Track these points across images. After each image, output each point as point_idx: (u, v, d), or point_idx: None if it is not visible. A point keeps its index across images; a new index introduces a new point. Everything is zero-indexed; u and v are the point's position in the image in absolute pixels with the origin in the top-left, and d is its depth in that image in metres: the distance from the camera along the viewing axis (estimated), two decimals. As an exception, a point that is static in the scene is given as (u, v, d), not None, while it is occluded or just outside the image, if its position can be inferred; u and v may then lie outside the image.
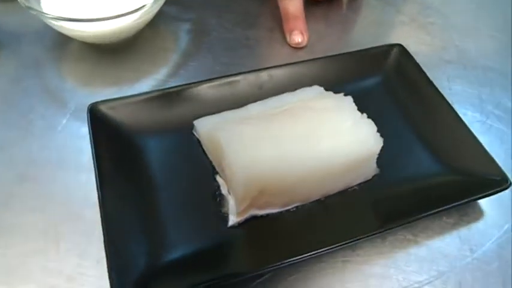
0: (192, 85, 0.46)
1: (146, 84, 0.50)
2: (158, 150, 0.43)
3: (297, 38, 0.54)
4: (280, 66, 0.48)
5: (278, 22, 0.56)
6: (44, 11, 0.50)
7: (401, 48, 0.50)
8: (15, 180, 0.43)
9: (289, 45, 0.55)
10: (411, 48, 0.50)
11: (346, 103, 0.41)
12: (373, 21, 0.59)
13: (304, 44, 0.54)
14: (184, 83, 0.47)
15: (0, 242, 0.39)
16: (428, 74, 0.48)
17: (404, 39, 0.53)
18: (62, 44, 0.54)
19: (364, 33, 0.57)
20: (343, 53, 0.49)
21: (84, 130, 0.44)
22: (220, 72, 0.49)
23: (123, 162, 0.42)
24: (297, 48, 0.55)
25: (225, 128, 0.39)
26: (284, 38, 0.55)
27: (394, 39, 0.53)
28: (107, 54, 0.53)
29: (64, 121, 0.47)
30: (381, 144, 0.39)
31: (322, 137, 0.39)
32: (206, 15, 0.57)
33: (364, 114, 0.41)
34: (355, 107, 0.41)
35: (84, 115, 0.44)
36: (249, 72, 0.47)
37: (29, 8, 0.48)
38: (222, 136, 0.38)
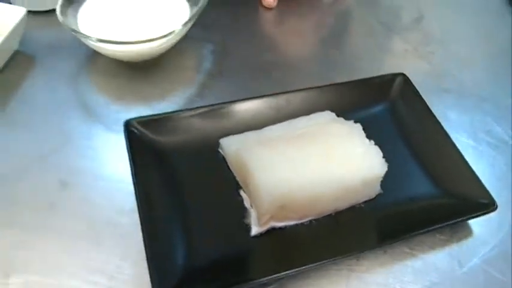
0: (217, 106, 0.51)
1: (172, 101, 0.55)
2: (187, 164, 0.48)
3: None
4: (296, 91, 0.53)
5: (295, 48, 0.61)
6: (80, 27, 0.55)
7: (404, 77, 0.55)
8: (57, 187, 0.48)
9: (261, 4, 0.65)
10: (413, 76, 0.56)
11: (356, 130, 0.47)
12: (378, 48, 0.64)
13: (274, 5, 0.65)
14: (208, 103, 0.52)
15: (46, 243, 0.44)
16: (427, 101, 0.54)
17: (406, 67, 0.59)
18: (94, 58, 0.58)
19: (371, 59, 0.62)
20: (352, 81, 0.55)
21: (119, 142, 0.49)
22: (241, 94, 0.54)
23: (157, 173, 0.47)
24: (268, 8, 0.65)
25: (250, 150, 0.44)
26: (299, 64, 0.60)
27: (397, 67, 0.59)
28: (136, 71, 0.58)
29: (100, 133, 0.52)
30: (385, 169, 0.45)
31: (334, 161, 0.44)
32: (229, 37, 0.63)
33: (372, 141, 0.46)
34: (364, 134, 0.47)
35: (118, 128, 0.49)
36: (268, 96, 0.52)
37: (66, 25, 0.52)
38: (247, 158, 0.44)
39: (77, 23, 0.56)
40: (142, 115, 0.49)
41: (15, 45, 0.58)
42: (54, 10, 0.54)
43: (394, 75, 0.55)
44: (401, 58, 0.63)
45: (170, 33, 0.52)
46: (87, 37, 0.52)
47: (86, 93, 0.56)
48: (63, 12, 0.54)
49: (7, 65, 0.57)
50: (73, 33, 0.52)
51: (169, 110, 0.53)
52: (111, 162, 0.50)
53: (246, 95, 0.53)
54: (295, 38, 0.61)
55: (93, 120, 0.53)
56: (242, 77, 0.58)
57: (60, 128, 0.52)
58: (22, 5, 0.61)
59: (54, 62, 0.58)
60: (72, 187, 0.48)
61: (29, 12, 0.58)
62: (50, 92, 0.55)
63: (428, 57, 0.63)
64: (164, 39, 0.52)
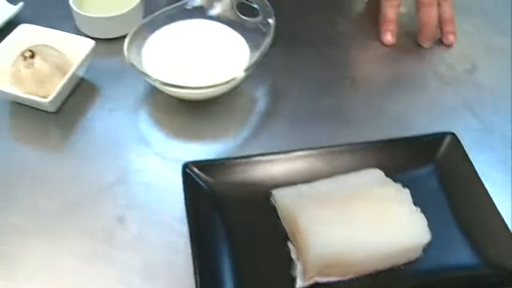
0: (270, 156, 0.53)
1: (227, 142, 0.58)
2: (240, 209, 0.51)
3: (389, 37, 0.68)
4: (347, 145, 0.55)
5: (349, 96, 0.63)
6: (144, 63, 0.58)
7: (453, 137, 0.56)
8: (114, 220, 0.51)
9: (381, 42, 0.68)
10: (460, 131, 0.57)
11: (404, 196, 0.49)
12: (430, 100, 0.65)
13: (393, 43, 0.69)
14: (261, 146, 0.56)
15: (101, 273, 0.47)
16: (472, 159, 0.55)
17: (455, 121, 0.61)
18: (155, 92, 0.61)
19: (421, 112, 0.63)
20: (402, 139, 0.57)
21: (175, 181, 0.51)
22: (293, 138, 0.57)
23: (211, 217, 0.50)
24: (388, 46, 0.68)
25: (302, 207, 0.47)
26: (352, 113, 0.62)
27: (446, 122, 0.61)
28: (194, 108, 0.60)
29: (157, 169, 0.55)
30: (429, 238, 0.47)
31: (381, 225, 0.47)
32: (284, 79, 0.64)
33: (418, 208, 0.48)
34: (411, 200, 0.49)
35: (175, 166, 0.52)
36: (320, 148, 0.54)
37: (132, 64, 0.55)
38: (299, 216, 0.46)
39: (141, 59, 0.58)
40: (199, 159, 0.52)
41: (81, 73, 0.61)
42: (119, 38, 0.57)
43: (444, 135, 0.56)
44: (452, 112, 0.63)
45: (231, 80, 0.55)
46: (150, 77, 0.54)
47: (146, 127, 0.59)
48: (129, 50, 0.57)
49: (71, 93, 0.61)
50: (138, 72, 0.55)
51: (224, 150, 0.57)
52: (167, 201, 0.52)
53: (298, 140, 0.56)
54: (349, 86, 0.63)
55: (151, 155, 0.56)
56: (296, 121, 0.60)
57: (119, 160, 0.55)
58: (91, 33, 0.64)
59: (117, 92, 0.61)
60: (128, 222, 0.51)
61: (95, 38, 0.62)
62: (111, 123, 0.59)
63: (477, 112, 0.64)
64: (225, 86, 0.55)
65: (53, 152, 0.56)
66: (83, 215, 0.51)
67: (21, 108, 0.58)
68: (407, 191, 0.49)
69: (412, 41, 0.71)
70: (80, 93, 0.61)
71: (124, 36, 0.58)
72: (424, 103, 0.64)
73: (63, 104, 0.59)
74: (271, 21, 0.60)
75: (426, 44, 0.69)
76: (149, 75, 0.55)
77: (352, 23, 0.73)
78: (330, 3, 0.75)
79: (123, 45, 0.57)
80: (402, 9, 0.70)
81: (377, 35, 0.71)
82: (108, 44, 0.66)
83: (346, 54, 0.69)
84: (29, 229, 0.50)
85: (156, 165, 0.55)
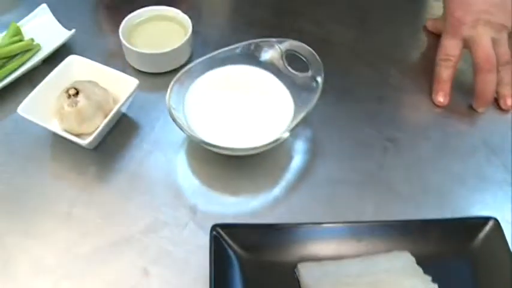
0: (299, 226, 0.53)
1: (258, 200, 0.57)
2: (264, 278, 0.50)
3: (441, 98, 0.66)
4: (380, 222, 0.53)
5: (384, 163, 0.61)
6: (186, 111, 0.58)
7: (495, 223, 0.53)
8: (140, 273, 0.51)
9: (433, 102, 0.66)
10: (505, 216, 0.54)
11: (433, 293, 0.47)
12: (475, 175, 0.61)
13: (445, 104, 0.65)
14: (290, 209, 0.55)
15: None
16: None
17: (501, 203, 0.58)
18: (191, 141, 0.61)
19: (464, 188, 0.59)
20: (436, 221, 0.54)
21: (202, 237, 0.52)
22: (322, 207, 0.56)
23: (234, 281, 0.49)
24: (439, 106, 0.65)
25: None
26: (389, 182, 0.59)
27: (490, 202, 0.58)
28: (229, 161, 0.59)
29: (186, 223, 0.55)
30: None
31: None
32: (325, 135, 0.63)
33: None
34: (440, 299, 0.47)
35: (203, 221, 0.53)
36: (349, 222, 0.53)
37: (174, 119, 0.55)
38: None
39: (183, 106, 0.58)
40: (227, 222, 0.52)
41: (124, 109, 0.62)
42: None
43: (484, 220, 0.54)
44: (499, 190, 0.60)
45: (274, 142, 0.54)
46: (191, 136, 0.54)
47: (180, 175, 0.59)
48: (172, 96, 0.56)
49: (112, 129, 0.61)
50: (181, 129, 0.55)
51: (254, 209, 0.56)
52: (192, 259, 0.52)
53: (329, 207, 0.56)
54: (392, 149, 0.61)
55: (182, 208, 0.56)
56: (330, 185, 0.58)
57: (150, 208, 0.56)
58: (138, 66, 0.65)
59: (156, 132, 0.62)
60: (153, 276, 0.51)
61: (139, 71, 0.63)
62: (147, 167, 0.59)
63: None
64: (266, 147, 0.54)
65: (88, 191, 0.57)
66: (110, 262, 0.52)
67: (62, 140, 0.59)
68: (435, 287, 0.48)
69: (465, 102, 0.67)
70: (121, 129, 0.62)
71: (171, 71, 0.58)
72: (469, 177, 0.60)
73: (103, 139, 0.60)
74: (319, 79, 0.58)
75: (481, 109, 0.66)
76: (189, 133, 0.55)
77: (406, 77, 0.70)
78: (384, 55, 0.72)
79: (168, 80, 0.57)
80: (460, 65, 0.67)
81: (430, 91, 0.67)
82: (154, 78, 0.66)
83: (394, 111, 0.66)
84: (56, 270, 0.52)
85: (185, 219, 0.55)
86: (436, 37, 0.71)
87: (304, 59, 0.60)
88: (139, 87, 0.61)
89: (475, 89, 0.65)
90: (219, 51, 0.61)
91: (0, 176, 0.58)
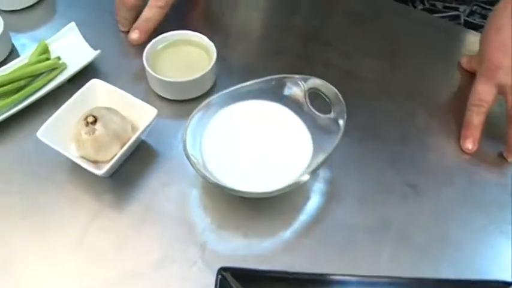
0: (306, 276, 0.52)
1: (269, 242, 0.56)
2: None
3: (469, 144, 0.63)
4: (388, 278, 0.52)
5: (403, 211, 0.59)
6: (203, 149, 0.58)
7: (510, 288, 0.51)
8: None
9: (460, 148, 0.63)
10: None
11: None
12: (498, 232, 0.58)
13: (473, 151, 0.63)
14: (301, 255, 0.54)
15: None
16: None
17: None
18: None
19: (486, 246, 0.57)
20: (456, 281, 0.52)
21: (210, 277, 0.51)
22: (333, 257, 0.55)
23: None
24: (467, 153, 0.63)
25: None
26: (403, 232, 0.57)
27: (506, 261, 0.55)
28: (242, 201, 0.58)
29: (194, 261, 0.54)
30: None
31: None
32: (344, 177, 0.61)
33: None
34: None
35: (212, 260, 0.53)
36: (360, 276, 0.52)
37: (192, 163, 0.54)
38: None
39: (201, 142, 0.58)
40: (235, 266, 0.51)
41: (143, 137, 0.62)
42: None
43: (506, 285, 0.51)
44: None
45: (291, 185, 0.53)
46: (207, 178, 0.54)
47: (192, 211, 0.58)
48: (189, 132, 0.56)
49: (130, 156, 0.61)
50: (194, 169, 0.54)
51: (264, 251, 0.55)
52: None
53: (341, 256, 0.54)
54: (412, 195, 0.59)
55: (191, 245, 0.55)
56: (342, 233, 0.57)
57: (161, 242, 0.55)
58: (161, 93, 0.65)
59: (173, 163, 0.61)
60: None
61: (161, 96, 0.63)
62: (161, 199, 0.59)
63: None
64: (282, 190, 0.53)
65: (102, 217, 0.57)
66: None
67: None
68: None
69: (495, 149, 0.64)
70: (139, 156, 0.62)
71: (194, 98, 0.60)
72: (493, 233, 0.58)
73: (121, 165, 0.60)
74: (341, 122, 0.56)
75: (511, 159, 0.63)
76: (203, 173, 0.54)
77: (433, 117, 0.67)
78: (412, 91, 0.69)
79: (190, 108, 0.58)
80: (493, 108, 0.63)
81: (458, 134, 0.65)
82: (176, 104, 0.66)
83: (418, 153, 0.64)
84: (66, 300, 0.52)
85: (194, 257, 0.54)
86: (470, 76, 0.68)
87: (327, 100, 0.59)
88: (160, 114, 0.60)
89: (506, 139, 0.62)
90: (242, 85, 0.60)
91: (20, 196, 0.59)
